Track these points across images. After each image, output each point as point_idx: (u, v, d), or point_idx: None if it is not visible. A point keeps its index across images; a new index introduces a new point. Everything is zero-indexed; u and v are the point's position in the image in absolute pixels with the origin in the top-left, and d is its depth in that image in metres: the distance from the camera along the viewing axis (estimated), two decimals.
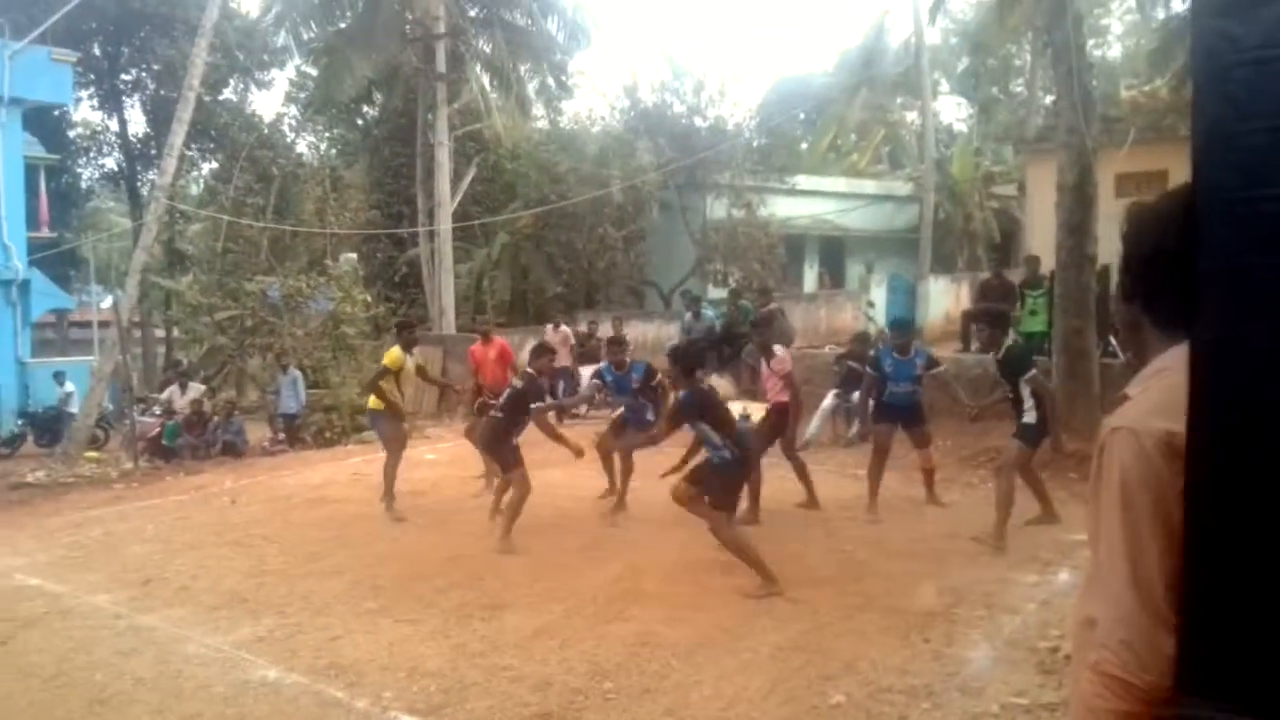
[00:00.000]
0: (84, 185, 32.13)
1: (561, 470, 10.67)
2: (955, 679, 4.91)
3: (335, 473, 11.55)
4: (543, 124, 27.06)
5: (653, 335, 19.50)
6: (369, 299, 19.78)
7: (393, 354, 9.27)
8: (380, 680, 5.08)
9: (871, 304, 22.14)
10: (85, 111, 29.37)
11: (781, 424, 8.51)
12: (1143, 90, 19.15)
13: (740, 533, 6.63)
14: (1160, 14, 21.20)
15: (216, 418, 15.23)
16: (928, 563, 6.96)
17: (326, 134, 30.68)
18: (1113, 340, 11.15)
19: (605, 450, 8.93)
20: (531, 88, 24.87)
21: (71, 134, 29.76)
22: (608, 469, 9.14)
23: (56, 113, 25.80)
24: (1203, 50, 1.31)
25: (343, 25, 22.55)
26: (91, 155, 30.88)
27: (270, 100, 65.12)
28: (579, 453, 8.17)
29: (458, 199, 21.98)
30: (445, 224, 21.04)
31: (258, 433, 16.03)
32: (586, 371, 15.19)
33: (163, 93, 25.93)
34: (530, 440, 8.13)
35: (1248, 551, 1.29)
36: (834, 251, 27.48)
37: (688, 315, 16.08)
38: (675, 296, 22.82)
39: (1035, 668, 5.01)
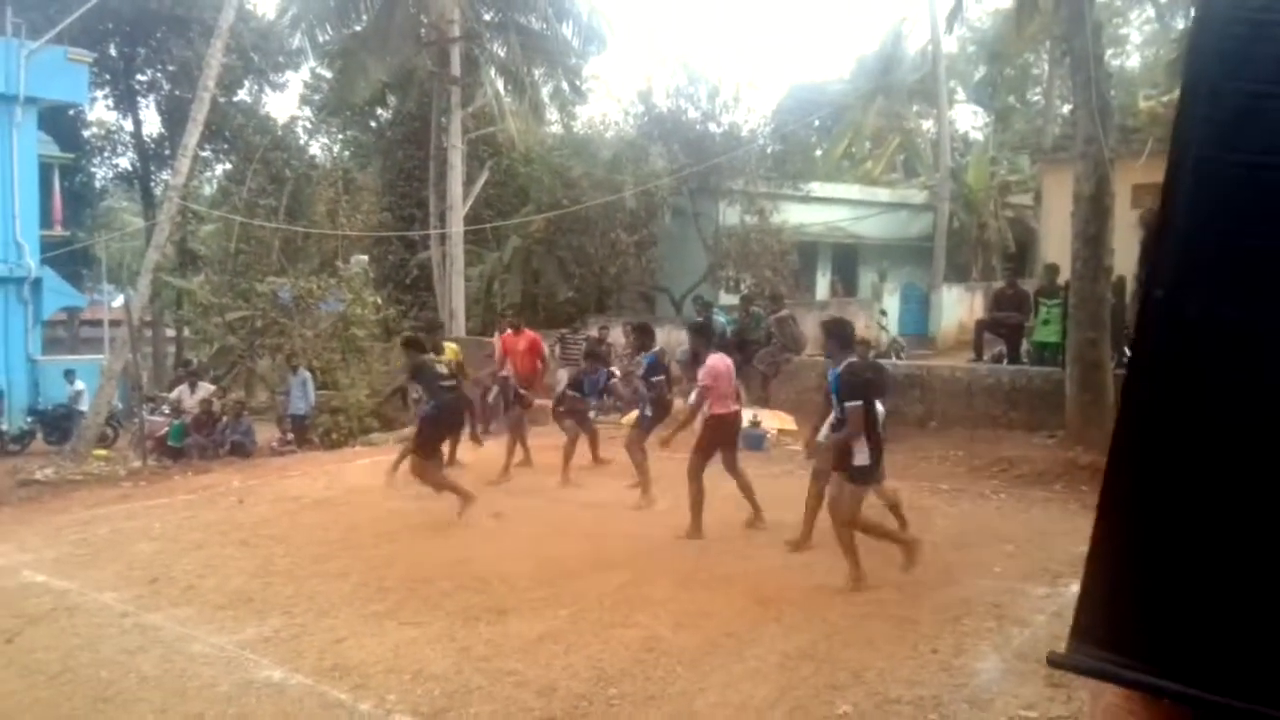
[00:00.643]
0: (98, 185, 32.37)
1: (573, 475, 10.68)
2: (963, 690, 4.86)
3: (343, 474, 11.53)
4: (556, 128, 27.12)
5: (662, 340, 19.42)
6: (379, 301, 19.82)
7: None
8: (385, 683, 5.05)
9: (884, 312, 22.07)
10: (100, 111, 29.69)
11: (716, 439, 8.09)
12: (1161, 101, 19.03)
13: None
14: (1180, 24, 21.11)
15: (225, 418, 15.24)
16: (937, 572, 6.89)
17: (340, 136, 30.82)
18: (1127, 351, 11.07)
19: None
20: (545, 92, 24.93)
21: (86, 133, 29.96)
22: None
23: (72, 112, 25.99)
24: (1204, 2, 1.29)
25: (358, 28, 22.61)
26: (106, 155, 31.12)
27: (284, 102, 65.53)
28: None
29: (470, 202, 22.00)
30: (457, 227, 21.06)
31: (267, 433, 16.05)
32: (563, 374, 15.50)
33: (178, 93, 26.09)
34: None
35: (1154, 509, 1.29)
36: (847, 259, 27.41)
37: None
38: (687, 302, 22.78)
39: (1044, 680, 4.94)
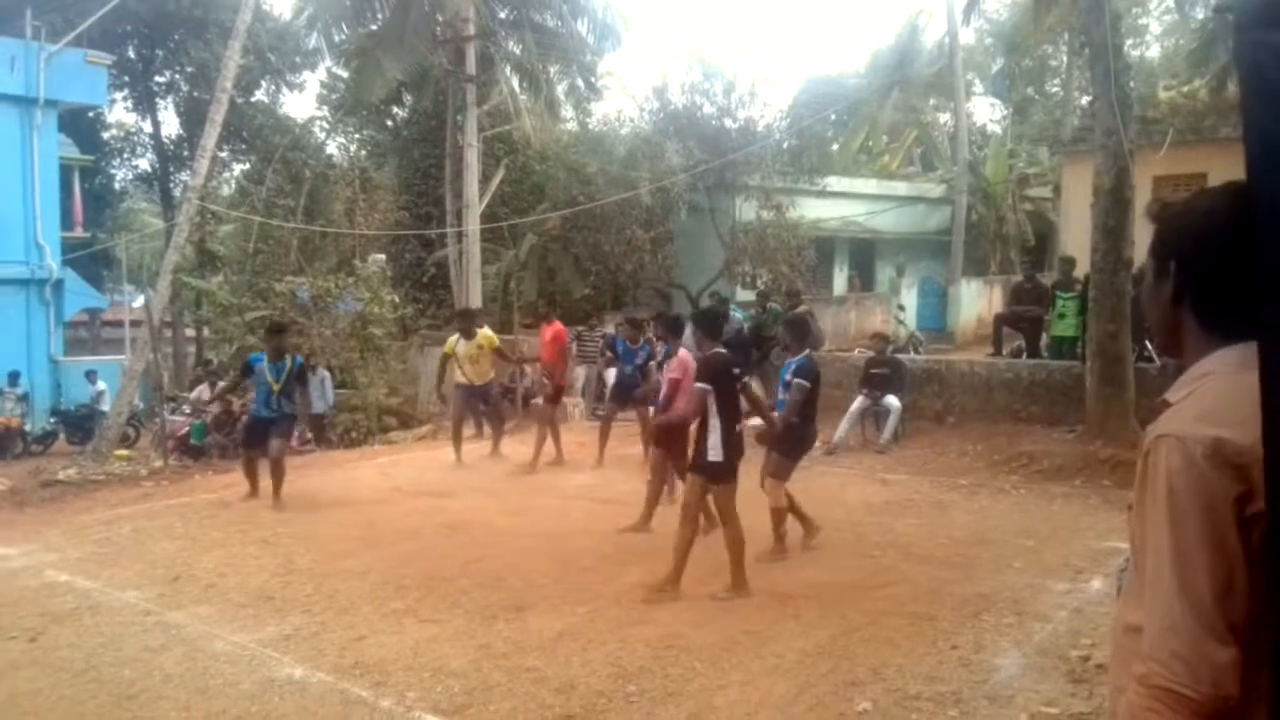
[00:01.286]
0: (117, 186, 32.60)
1: (590, 473, 10.70)
2: (983, 687, 4.84)
3: (362, 472, 11.59)
4: (572, 125, 27.08)
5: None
6: (396, 300, 19.88)
7: (449, 342, 11.49)
8: (405, 680, 5.07)
9: (902, 307, 22.00)
10: (119, 113, 29.88)
11: (664, 438, 8.01)
12: (1181, 91, 18.92)
13: None
14: (1199, 14, 20.94)
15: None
16: (956, 568, 6.87)
17: (356, 135, 30.88)
18: (1148, 344, 10.99)
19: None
20: (561, 89, 24.89)
21: (106, 135, 30.19)
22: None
23: (91, 114, 26.20)
24: (1249, 63, 1.27)
25: (373, 27, 22.65)
26: (125, 156, 31.36)
27: (301, 102, 65.77)
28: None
29: (486, 200, 22.01)
30: (473, 225, 21.07)
31: None
32: (580, 371, 15.57)
33: (196, 94, 26.20)
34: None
35: None
36: (864, 254, 27.31)
37: None
38: (703, 298, 22.75)
39: (1065, 676, 4.91)
